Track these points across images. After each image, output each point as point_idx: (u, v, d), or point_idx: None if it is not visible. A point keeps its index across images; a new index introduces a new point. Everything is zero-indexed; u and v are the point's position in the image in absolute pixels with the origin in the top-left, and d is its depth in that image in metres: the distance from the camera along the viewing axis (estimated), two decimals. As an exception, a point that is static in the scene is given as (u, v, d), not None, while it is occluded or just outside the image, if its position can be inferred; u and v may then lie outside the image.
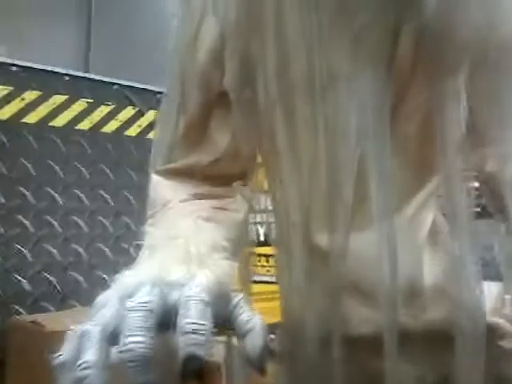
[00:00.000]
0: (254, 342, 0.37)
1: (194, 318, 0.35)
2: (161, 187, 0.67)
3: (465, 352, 0.53)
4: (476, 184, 0.56)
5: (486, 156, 0.56)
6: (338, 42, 0.55)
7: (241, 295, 0.40)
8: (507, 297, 0.57)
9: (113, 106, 2.85)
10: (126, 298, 0.37)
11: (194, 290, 0.37)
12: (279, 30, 0.57)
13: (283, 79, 0.58)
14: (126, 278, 0.40)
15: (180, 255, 0.44)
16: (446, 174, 0.54)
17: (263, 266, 2.34)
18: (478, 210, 0.55)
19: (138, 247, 0.52)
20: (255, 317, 0.39)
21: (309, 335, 0.61)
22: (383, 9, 0.52)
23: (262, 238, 1.86)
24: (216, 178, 0.67)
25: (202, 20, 0.63)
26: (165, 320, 0.37)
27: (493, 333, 0.55)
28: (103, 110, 2.82)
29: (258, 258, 2.30)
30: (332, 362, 0.57)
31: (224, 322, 0.39)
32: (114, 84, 2.86)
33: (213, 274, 0.41)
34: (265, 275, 2.34)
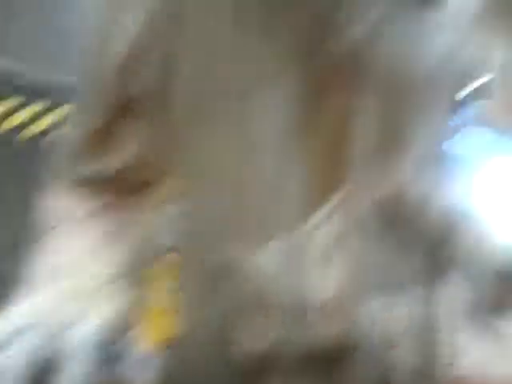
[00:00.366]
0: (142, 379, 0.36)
1: (72, 375, 0.33)
2: (59, 200, 0.63)
3: (356, 365, 0.54)
4: (380, 201, 0.58)
5: (391, 177, 0.58)
6: (256, 56, 0.55)
7: (133, 329, 0.39)
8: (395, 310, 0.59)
9: (18, 101, 2.71)
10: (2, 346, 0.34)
11: (83, 331, 0.35)
12: (194, 42, 0.57)
13: (199, 89, 0.58)
14: (7, 319, 0.37)
15: (72, 289, 0.42)
16: (353, 188, 0.55)
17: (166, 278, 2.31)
18: (381, 225, 0.57)
19: (27, 275, 0.47)
20: (147, 355, 0.38)
21: (201, 355, 0.60)
22: (305, 32, 0.53)
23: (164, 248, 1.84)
24: (121, 187, 0.65)
25: (118, 15, 0.61)
26: (50, 366, 0.34)
27: (383, 344, 0.57)
28: (4, 105, 2.68)
29: (161, 269, 2.27)
30: None
31: (115, 358, 0.37)
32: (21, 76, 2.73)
33: (106, 309, 0.39)
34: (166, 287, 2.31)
